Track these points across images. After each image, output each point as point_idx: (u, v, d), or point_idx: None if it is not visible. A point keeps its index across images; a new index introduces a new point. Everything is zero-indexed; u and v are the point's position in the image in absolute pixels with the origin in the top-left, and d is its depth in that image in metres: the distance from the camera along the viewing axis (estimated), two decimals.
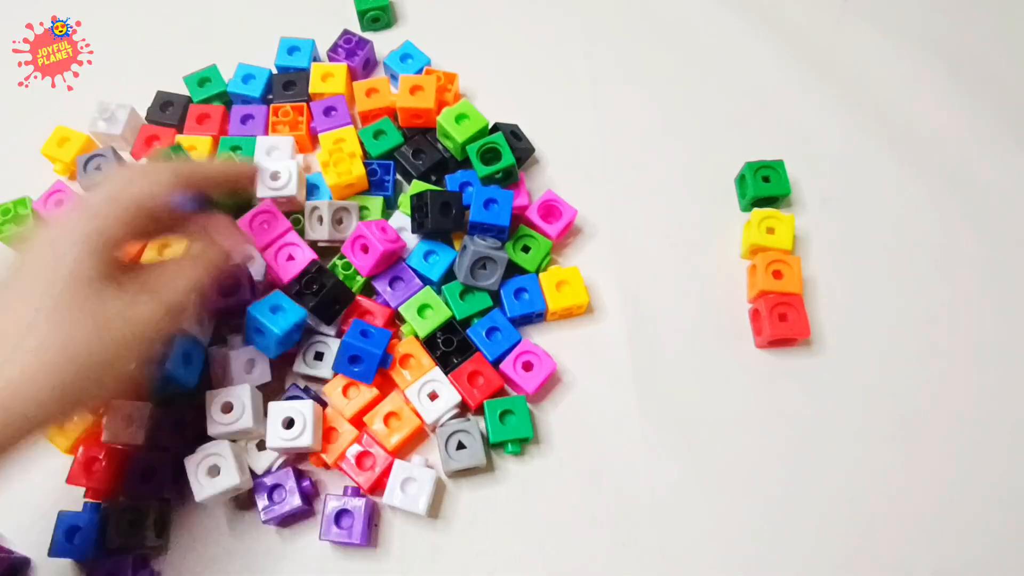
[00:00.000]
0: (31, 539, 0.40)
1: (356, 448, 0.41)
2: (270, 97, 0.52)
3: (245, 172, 0.43)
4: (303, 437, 0.39)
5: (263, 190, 0.45)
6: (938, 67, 0.54)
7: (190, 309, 0.38)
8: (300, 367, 0.43)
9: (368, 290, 0.45)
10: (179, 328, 0.40)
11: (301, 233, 0.45)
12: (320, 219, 0.44)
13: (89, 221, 0.34)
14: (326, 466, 0.41)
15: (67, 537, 0.39)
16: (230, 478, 0.38)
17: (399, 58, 0.52)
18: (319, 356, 0.43)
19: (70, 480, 0.40)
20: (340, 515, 0.39)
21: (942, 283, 0.47)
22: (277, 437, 0.39)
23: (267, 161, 0.46)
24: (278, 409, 0.40)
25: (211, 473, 0.39)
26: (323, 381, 0.43)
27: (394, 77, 0.53)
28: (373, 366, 0.41)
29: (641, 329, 0.46)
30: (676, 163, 0.51)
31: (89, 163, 0.48)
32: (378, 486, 0.40)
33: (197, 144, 0.49)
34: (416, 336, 0.43)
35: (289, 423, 0.40)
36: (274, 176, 0.45)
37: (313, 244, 0.45)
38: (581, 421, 0.43)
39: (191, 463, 0.39)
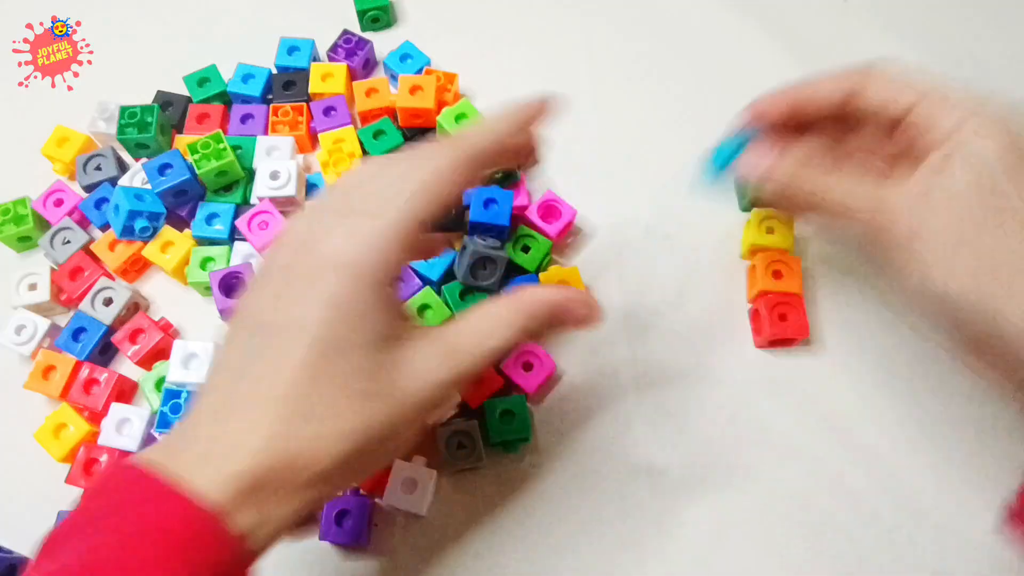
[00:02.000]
0: (30, 539, 0.40)
1: None
2: (270, 97, 0.52)
3: (527, 140, 0.36)
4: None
5: (262, 189, 0.45)
6: (938, 67, 0.54)
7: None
8: None
9: None
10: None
11: None
12: None
13: (372, 254, 0.28)
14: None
15: None
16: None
17: (399, 58, 0.52)
18: None
19: (69, 480, 0.40)
20: (340, 516, 0.39)
21: None
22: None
23: (267, 161, 0.46)
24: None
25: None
26: None
27: (394, 77, 0.53)
28: None
29: (641, 329, 0.46)
30: (676, 163, 0.51)
31: (88, 163, 0.48)
32: (378, 486, 0.40)
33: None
34: None
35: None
36: (273, 176, 0.45)
37: None
38: (581, 421, 0.43)
39: None
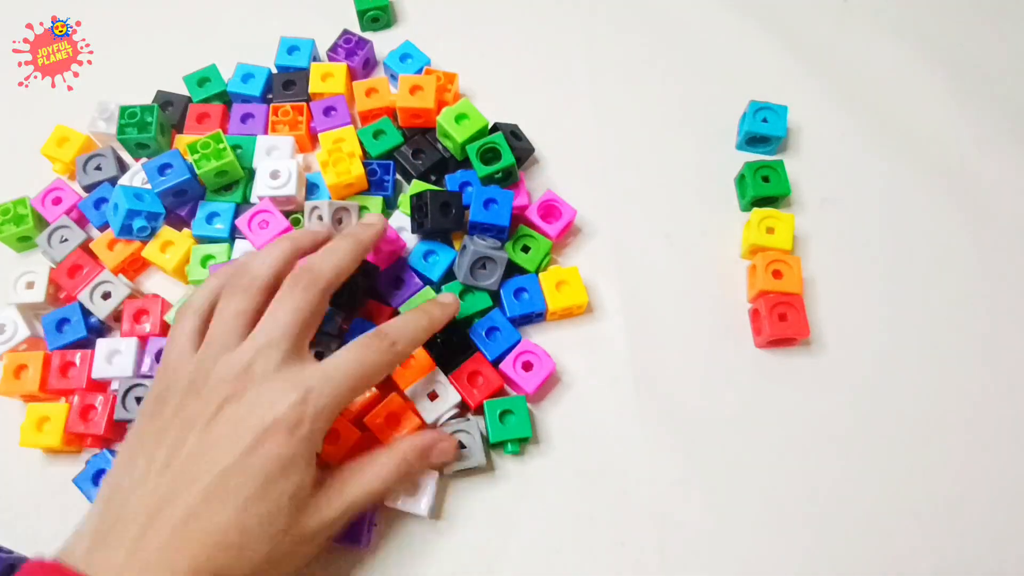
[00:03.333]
0: (30, 539, 0.40)
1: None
2: (270, 97, 0.52)
3: (374, 236, 0.41)
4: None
5: (262, 188, 0.45)
6: (938, 67, 0.54)
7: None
8: None
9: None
10: None
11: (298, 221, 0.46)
12: (320, 218, 0.44)
13: (307, 426, 0.34)
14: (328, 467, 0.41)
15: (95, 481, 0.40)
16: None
17: (399, 58, 0.52)
18: (319, 356, 0.43)
19: (67, 429, 0.41)
20: None
21: (942, 283, 0.47)
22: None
23: (266, 161, 0.46)
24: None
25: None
26: None
27: (394, 77, 0.53)
28: None
29: (641, 329, 0.46)
30: (676, 163, 0.51)
31: (88, 163, 0.48)
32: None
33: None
34: None
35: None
36: (274, 175, 0.45)
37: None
38: (580, 421, 0.43)
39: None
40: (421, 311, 0.40)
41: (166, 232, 0.46)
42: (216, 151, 0.45)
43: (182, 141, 0.48)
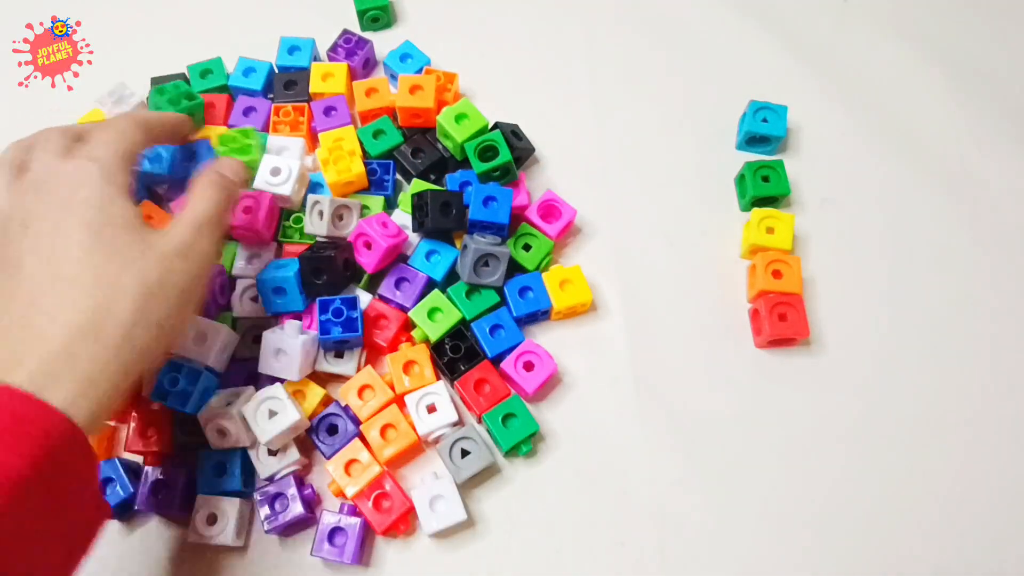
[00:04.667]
0: None
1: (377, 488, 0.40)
2: (271, 96, 0.52)
3: (183, 121, 0.43)
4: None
5: (260, 182, 0.45)
6: (938, 67, 0.54)
7: (221, 237, 0.38)
8: (322, 365, 0.43)
9: (370, 287, 0.45)
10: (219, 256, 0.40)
11: (301, 231, 0.46)
12: (320, 214, 0.44)
13: (109, 155, 0.35)
14: (344, 496, 0.40)
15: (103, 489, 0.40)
16: (289, 416, 0.39)
17: (399, 58, 0.52)
18: (339, 354, 0.43)
19: (128, 448, 0.41)
20: (333, 532, 0.39)
21: (942, 283, 0.47)
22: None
23: (273, 158, 0.46)
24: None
25: (270, 416, 0.39)
26: (345, 378, 0.43)
27: (393, 77, 0.53)
28: (353, 326, 0.41)
29: (641, 329, 0.46)
30: (676, 163, 0.51)
31: None
32: (392, 529, 0.40)
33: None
34: (427, 340, 0.43)
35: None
36: (274, 172, 0.45)
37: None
38: (581, 421, 0.43)
39: (249, 411, 0.39)
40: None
41: (146, 207, 0.46)
42: (244, 146, 0.45)
43: (214, 131, 0.48)
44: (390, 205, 0.48)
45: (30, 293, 0.32)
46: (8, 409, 0.28)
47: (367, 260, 0.44)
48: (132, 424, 0.41)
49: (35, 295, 0.32)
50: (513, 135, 0.48)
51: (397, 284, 0.45)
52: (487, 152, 0.46)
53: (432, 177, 0.48)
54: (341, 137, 0.48)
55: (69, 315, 0.31)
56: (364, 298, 0.44)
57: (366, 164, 0.47)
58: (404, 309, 0.44)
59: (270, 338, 0.41)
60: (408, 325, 0.45)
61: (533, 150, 0.50)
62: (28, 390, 0.29)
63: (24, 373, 0.29)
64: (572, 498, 0.42)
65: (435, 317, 0.43)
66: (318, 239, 0.45)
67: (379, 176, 0.48)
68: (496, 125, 0.49)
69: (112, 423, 0.42)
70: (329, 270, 0.43)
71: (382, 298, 0.45)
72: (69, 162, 0.35)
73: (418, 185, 0.47)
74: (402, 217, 0.47)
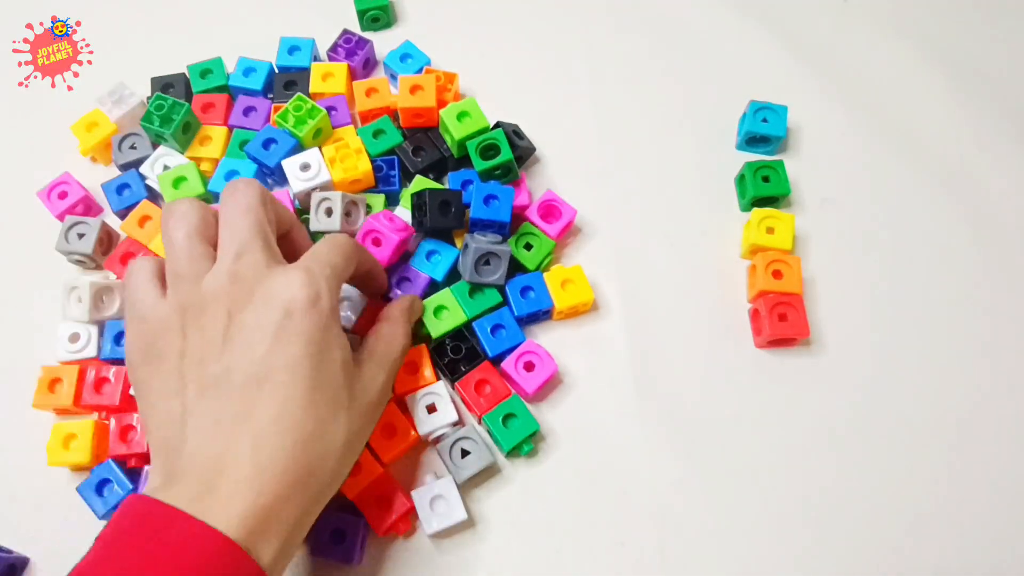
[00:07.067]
0: (30, 539, 0.40)
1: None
2: (271, 96, 0.52)
3: (384, 273, 0.43)
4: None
5: (298, 184, 0.45)
6: (938, 67, 0.54)
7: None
8: None
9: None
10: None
11: (306, 222, 0.46)
12: (329, 211, 0.44)
13: (322, 287, 0.33)
14: (343, 495, 0.40)
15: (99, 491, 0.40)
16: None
17: (399, 58, 0.52)
18: None
19: (111, 453, 0.41)
20: (333, 532, 0.39)
21: (942, 283, 0.47)
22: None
23: (303, 156, 0.46)
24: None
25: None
26: None
27: (393, 77, 0.53)
28: None
29: (641, 329, 0.46)
30: (676, 163, 0.51)
31: (123, 142, 0.49)
32: (392, 529, 0.40)
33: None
34: (429, 336, 0.43)
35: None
36: (304, 167, 0.45)
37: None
38: (581, 421, 0.43)
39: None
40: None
41: (145, 207, 0.47)
42: (309, 111, 0.47)
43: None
44: (392, 203, 0.48)
45: (247, 428, 0.30)
46: (229, 567, 0.27)
47: (379, 256, 0.44)
48: (113, 427, 0.41)
49: (257, 433, 0.30)
50: (515, 134, 0.48)
51: (399, 283, 0.45)
52: (488, 151, 0.46)
53: (431, 175, 0.48)
54: (341, 137, 0.48)
55: (286, 466, 0.30)
56: (360, 298, 0.44)
57: (372, 161, 0.47)
58: None
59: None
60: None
61: (534, 150, 0.50)
62: (241, 542, 0.28)
63: (234, 518, 0.28)
64: (572, 498, 0.42)
65: (440, 315, 0.43)
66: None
67: (385, 172, 0.48)
68: (498, 124, 0.49)
69: (107, 422, 0.42)
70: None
71: (383, 298, 0.45)
72: (288, 274, 0.33)
73: (419, 182, 0.47)
74: (404, 214, 0.47)
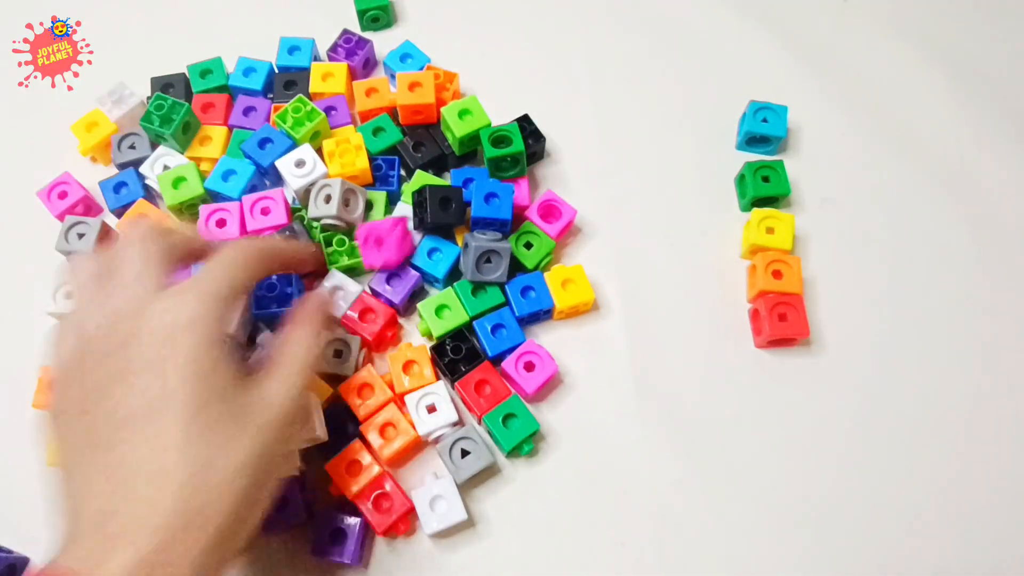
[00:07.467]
0: (30, 539, 0.40)
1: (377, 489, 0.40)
2: (271, 96, 0.52)
3: (312, 255, 0.42)
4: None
5: (295, 181, 0.45)
6: (938, 67, 0.54)
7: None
8: (321, 365, 0.42)
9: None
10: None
11: (302, 219, 0.46)
12: (328, 198, 0.44)
13: (204, 307, 0.32)
14: (343, 495, 0.40)
15: None
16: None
17: (399, 58, 0.52)
18: (338, 353, 0.43)
19: None
20: (333, 532, 0.39)
21: (942, 283, 0.47)
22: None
23: (298, 152, 0.47)
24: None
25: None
26: (344, 378, 0.42)
27: (393, 77, 0.53)
28: (288, 301, 0.42)
29: (641, 329, 0.46)
30: (676, 163, 0.51)
31: (123, 142, 0.49)
32: (392, 529, 0.40)
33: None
34: (431, 335, 0.43)
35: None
36: (299, 164, 0.45)
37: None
38: (581, 421, 0.43)
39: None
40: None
41: (141, 205, 0.47)
42: (307, 114, 0.47)
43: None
44: (393, 202, 0.48)
45: (124, 477, 0.29)
46: None
47: (387, 254, 0.44)
48: None
49: (130, 480, 0.29)
50: (531, 135, 0.48)
51: (388, 279, 0.45)
52: (501, 143, 0.46)
53: (431, 172, 0.48)
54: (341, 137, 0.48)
55: (166, 510, 0.28)
56: (353, 289, 0.44)
57: (371, 159, 0.47)
58: (392, 305, 0.44)
59: (269, 339, 0.41)
60: (395, 321, 0.45)
61: (543, 156, 0.50)
62: None
63: (118, 574, 0.27)
64: (572, 498, 0.42)
65: (442, 314, 0.43)
66: (323, 223, 0.45)
67: (384, 172, 0.48)
68: (520, 119, 0.49)
69: None
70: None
71: (373, 292, 0.45)
72: (167, 299, 0.32)
73: (420, 177, 0.47)
74: (405, 210, 0.47)
